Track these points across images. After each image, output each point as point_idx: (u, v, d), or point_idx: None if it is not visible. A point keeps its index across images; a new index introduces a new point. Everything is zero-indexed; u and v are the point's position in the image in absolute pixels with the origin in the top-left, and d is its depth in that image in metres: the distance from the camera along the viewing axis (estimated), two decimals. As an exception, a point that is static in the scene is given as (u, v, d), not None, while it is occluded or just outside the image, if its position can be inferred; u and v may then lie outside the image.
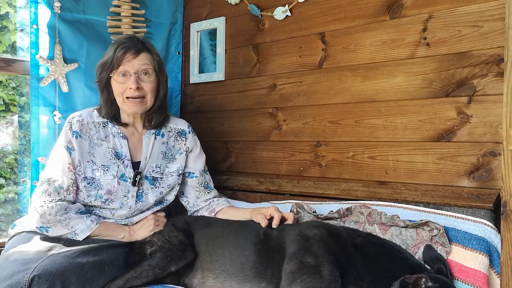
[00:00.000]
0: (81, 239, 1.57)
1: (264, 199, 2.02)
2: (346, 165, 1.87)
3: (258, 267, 1.44)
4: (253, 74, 2.20)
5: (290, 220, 1.62)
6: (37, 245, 1.52)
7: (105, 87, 1.72)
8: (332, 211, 1.65)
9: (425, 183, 1.66)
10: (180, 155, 1.86)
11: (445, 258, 1.35)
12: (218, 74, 2.32)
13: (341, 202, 1.73)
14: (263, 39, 2.16)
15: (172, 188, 1.83)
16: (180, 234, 1.64)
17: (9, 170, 2.14)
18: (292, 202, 1.79)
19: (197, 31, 2.43)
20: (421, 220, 1.42)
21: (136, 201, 1.72)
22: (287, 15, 2.05)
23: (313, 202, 1.80)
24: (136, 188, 1.72)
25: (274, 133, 2.12)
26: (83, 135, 1.70)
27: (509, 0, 1.29)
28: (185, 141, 1.87)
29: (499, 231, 1.35)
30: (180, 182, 1.85)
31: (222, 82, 2.33)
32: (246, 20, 2.22)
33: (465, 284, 1.32)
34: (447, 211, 1.50)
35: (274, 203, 1.89)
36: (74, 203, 1.64)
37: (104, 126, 1.74)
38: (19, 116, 2.16)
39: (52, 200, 1.58)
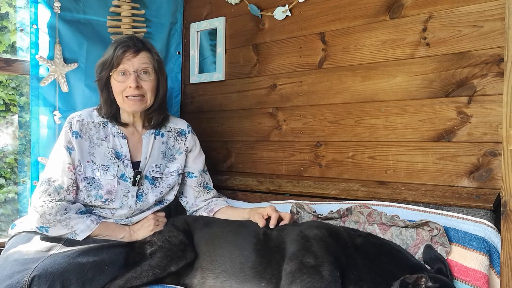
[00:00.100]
0: (81, 239, 1.57)
1: (264, 199, 2.02)
2: (346, 165, 1.87)
3: (258, 267, 1.44)
4: (253, 74, 2.20)
5: (286, 220, 1.61)
6: (37, 245, 1.52)
7: (105, 86, 1.72)
8: (332, 211, 1.65)
9: (425, 183, 1.66)
10: (179, 155, 1.86)
11: (445, 258, 1.35)
12: (218, 74, 2.32)
13: (341, 202, 1.73)
14: (263, 39, 2.16)
15: (172, 188, 1.83)
16: (180, 234, 1.64)
17: (9, 170, 2.14)
18: (292, 202, 1.79)
19: (197, 31, 2.43)
20: (421, 220, 1.42)
21: (136, 201, 1.72)
22: (287, 15, 2.05)
23: (313, 202, 1.80)
24: (136, 188, 1.72)
25: (274, 133, 2.12)
26: (83, 135, 1.70)
27: (509, 0, 1.29)
28: (185, 141, 1.88)
29: (499, 231, 1.35)
30: (180, 181, 1.85)
31: (222, 82, 2.33)
32: (246, 20, 2.22)
33: (465, 284, 1.32)
34: (447, 211, 1.50)
35: (274, 203, 1.89)
36: (74, 203, 1.64)
37: (104, 126, 1.74)
38: (19, 116, 2.16)
39: (52, 200, 1.58)
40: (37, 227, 1.57)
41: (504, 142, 1.30)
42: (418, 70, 1.68)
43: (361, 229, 1.54)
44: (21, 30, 2.07)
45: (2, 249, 1.63)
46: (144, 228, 1.71)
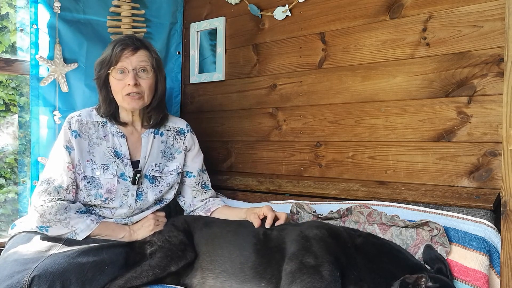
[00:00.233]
0: (81, 239, 1.57)
1: (264, 199, 2.02)
2: (346, 165, 1.87)
3: (257, 267, 1.44)
4: (253, 74, 2.20)
5: (282, 220, 1.61)
6: (37, 245, 1.52)
7: (104, 85, 1.72)
8: (332, 211, 1.65)
9: (425, 183, 1.66)
10: (179, 154, 1.86)
11: (445, 258, 1.35)
12: (218, 74, 2.32)
13: (341, 202, 1.73)
14: (263, 39, 2.16)
15: (172, 187, 1.83)
16: (180, 234, 1.64)
17: (9, 170, 2.14)
18: (292, 202, 1.79)
19: (197, 31, 2.43)
20: (421, 220, 1.42)
21: (136, 199, 1.72)
22: (287, 15, 2.05)
23: (313, 202, 1.80)
24: (135, 186, 1.72)
25: (274, 133, 2.12)
26: (82, 134, 1.70)
27: (509, 0, 1.29)
28: (184, 140, 1.88)
29: (499, 231, 1.35)
30: (179, 181, 1.86)
31: (222, 82, 2.33)
32: (246, 20, 2.22)
33: (465, 284, 1.32)
34: (447, 211, 1.50)
35: (274, 203, 1.89)
36: (74, 202, 1.64)
37: (103, 126, 1.75)
38: (19, 116, 2.16)
39: (52, 199, 1.58)
40: (37, 227, 1.57)
41: (504, 142, 1.30)
42: (418, 70, 1.68)
43: (361, 229, 1.54)
44: (21, 30, 2.07)
45: (2, 249, 1.63)
46: (144, 228, 1.71)
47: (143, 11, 2.29)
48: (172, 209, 2.02)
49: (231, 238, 1.58)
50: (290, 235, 1.47)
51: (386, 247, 1.39)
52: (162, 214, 1.80)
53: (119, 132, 1.75)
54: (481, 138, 1.55)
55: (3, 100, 2.13)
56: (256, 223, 1.60)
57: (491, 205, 1.45)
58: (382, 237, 1.48)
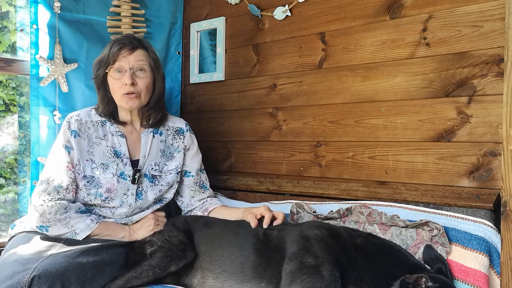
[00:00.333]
0: (81, 239, 1.57)
1: (264, 199, 2.02)
2: (346, 165, 1.87)
3: (257, 267, 1.44)
4: (253, 74, 2.20)
5: (280, 219, 1.62)
6: (37, 245, 1.52)
7: (102, 84, 1.73)
8: (332, 211, 1.65)
9: (425, 183, 1.66)
10: (178, 153, 1.86)
11: (445, 258, 1.35)
12: (218, 74, 2.32)
13: (341, 202, 1.73)
14: (263, 39, 2.16)
15: (171, 186, 1.83)
16: (180, 234, 1.64)
17: (9, 170, 2.14)
18: (292, 202, 1.79)
19: (197, 31, 2.43)
20: (421, 220, 1.42)
21: (135, 199, 1.72)
22: (287, 15, 2.05)
23: (313, 202, 1.80)
24: (135, 186, 1.72)
25: (274, 133, 2.12)
26: (82, 134, 1.70)
27: (509, 0, 1.29)
28: (183, 139, 1.88)
29: (499, 231, 1.35)
30: (178, 180, 1.86)
31: (222, 82, 2.33)
32: (246, 20, 2.22)
33: (465, 284, 1.32)
34: (447, 211, 1.50)
35: (274, 203, 1.89)
36: (74, 202, 1.64)
37: (102, 125, 1.75)
38: (19, 116, 2.16)
39: (52, 199, 1.58)
40: (37, 226, 1.57)
41: (504, 142, 1.30)
42: (418, 70, 1.68)
43: (361, 229, 1.54)
44: (21, 30, 2.07)
45: (2, 249, 1.63)
46: (144, 228, 1.71)
47: (143, 11, 2.29)
48: (172, 209, 2.02)
49: (231, 238, 1.58)
50: (290, 235, 1.47)
51: (386, 247, 1.39)
52: (162, 214, 1.80)
53: (119, 131, 1.75)
54: (481, 138, 1.55)
55: (3, 100, 2.13)
56: (253, 223, 1.60)
57: (491, 205, 1.45)
58: (382, 237, 1.48)
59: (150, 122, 1.80)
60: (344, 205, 1.65)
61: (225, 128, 2.32)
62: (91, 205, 1.69)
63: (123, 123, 1.78)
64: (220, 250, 1.55)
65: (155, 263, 1.51)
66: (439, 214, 1.49)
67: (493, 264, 1.35)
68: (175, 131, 1.88)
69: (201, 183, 1.92)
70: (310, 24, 1.99)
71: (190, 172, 1.89)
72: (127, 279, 1.47)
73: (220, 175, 2.28)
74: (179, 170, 1.85)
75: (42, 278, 1.32)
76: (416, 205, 1.57)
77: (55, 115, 2.04)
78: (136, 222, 1.74)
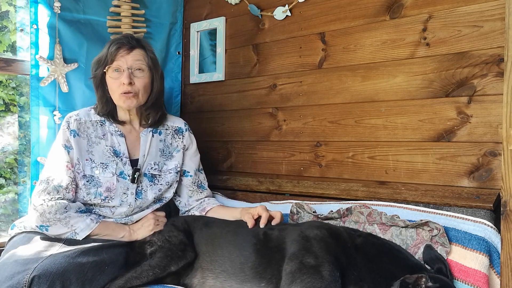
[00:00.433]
0: (81, 239, 1.57)
1: (264, 199, 2.02)
2: (346, 165, 1.87)
3: (257, 267, 1.44)
4: (253, 74, 2.20)
5: (277, 219, 1.62)
6: (37, 245, 1.52)
7: (100, 84, 1.73)
8: (332, 211, 1.65)
9: (425, 183, 1.66)
10: (177, 152, 1.86)
11: (445, 258, 1.35)
12: (218, 74, 2.32)
13: (341, 202, 1.73)
14: (263, 39, 2.16)
15: (171, 186, 1.83)
16: (180, 234, 1.64)
17: (9, 170, 2.14)
18: (292, 202, 1.79)
19: (197, 31, 2.43)
20: (421, 220, 1.42)
21: (135, 198, 1.72)
22: (287, 15, 2.05)
23: (313, 202, 1.80)
24: (135, 185, 1.73)
25: (274, 133, 2.12)
26: (81, 133, 1.70)
27: (509, 0, 1.29)
28: (182, 138, 1.88)
29: (499, 231, 1.35)
30: (178, 179, 1.86)
31: (222, 82, 2.33)
32: (246, 20, 2.22)
33: (465, 284, 1.32)
34: (447, 211, 1.50)
35: (274, 203, 1.89)
36: (74, 201, 1.64)
37: (101, 125, 1.75)
38: (19, 116, 2.16)
39: (51, 198, 1.58)
40: (37, 226, 1.57)
41: (504, 142, 1.30)
42: (418, 70, 1.68)
43: (361, 229, 1.54)
44: (21, 30, 2.07)
45: (2, 250, 1.63)
46: (144, 228, 1.71)
47: (143, 11, 2.29)
48: (172, 209, 2.02)
49: (231, 238, 1.58)
50: (290, 235, 1.47)
51: (386, 247, 1.39)
52: (162, 214, 1.80)
53: (118, 131, 1.76)
54: (481, 138, 1.55)
55: (3, 100, 2.13)
56: (250, 223, 1.60)
57: (491, 205, 1.45)
58: (382, 237, 1.48)
59: (149, 121, 1.80)
60: (344, 205, 1.65)
61: (225, 128, 2.32)
62: (91, 205, 1.69)
63: (122, 123, 1.78)
64: (220, 250, 1.55)
65: (155, 263, 1.51)
66: (439, 214, 1.49)
67: (493, 264, 1.35)
68: (174, 131, 1.88)
69: (199, 183, 1.92)
70: (310, 24, 1.99)
71: (189, 172, 1.89)
72: (127, 279, 1.47)
73: (220, 175, 2.28)
74: (178, 169, 1.85)
75: (42, 278, 1.32)
76: (416, 205, 1.57)
77: (55, 115, 2.04)
78: (136, 222, 1.74)
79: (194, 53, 2.44)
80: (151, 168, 1.78)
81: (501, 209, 1.31)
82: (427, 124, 1.66)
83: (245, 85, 2.23)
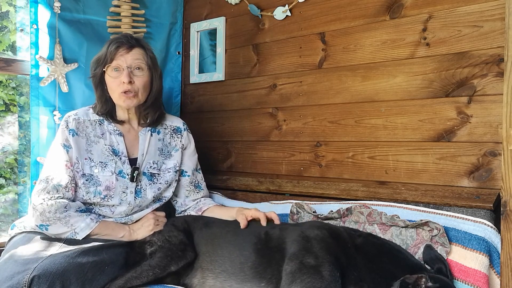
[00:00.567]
0: (80, 238, 1.57)
1: (264, 199, 2.02)
2: (346, 165, 1.87)
3: (257, 267, 1.44)
4: (253, 74, 2.20)
5: (276, 220, 1.65)
6: (37, 245, 1.52)
7: (99, 83, 1.74)
8: (332, 211, 1.65)
9: (425, 183, 1.66)
10: (176, 152, 1.87)
11: (445, 258, 1.35)
12: (218, 74, 2.32)
13: (341, 202, 1.73)
14: (263, 39, 2.16)
15: (170, 185, 1.84)
16: (180, 234, 1.64)
17: (9, 170, 2.14)
18: (292, 202, 1.79)
19: (197, 31, 2.43)
20: (421, 220, 1.42)
21: (135, 197, 1.73)
22: (287, 15, 2.05)
23: (313, 202, 1.80)
24: (134, 184, 1.73)
25: (274, 133, 2.12)
26: (80, 133, 1.71)
27: (509, 0, 1.29)
28: (181, 138, 1.89)
29: (499, 231, 1.35)
30: (177, 178, 1.86)
31: (222, 82, 2.33)
32: (246, 20, 2.22)
33: (465, 284, 1.32)
34: (447, 211, 1.50)
35: (274, 203, 1.89)
36: (73, 201, 1.64)
37: (100, 124, 1.75)
38: (19, 116, 2.16)
39: (51, 197, 1.58)
40: (36, 225, 1.57)
41: (504, 142, 1.30)
42: (418, 70, 1.68)
43: (361, 229, 1.54)
44: (21, 30, 2.07)
45: (2, 249, 1.63)
46: (144, 228, 1.71)
47: (143, 11, 2.29)
48: (172, 209, 2.02)
49: (231, 238, 1.58)
50: (290, 235, 1.47)
51: (386, 247, 1.39)
52: (162, 214, 1.80)
53: (116, 130, 1.76)
54: (481, 138, 1.55)
55: (3, 100, 2.13)
56: (242, 224, 1.62)
57: (491, 205, 1.45)
58: (382, 237, 1.48)
59: (148, 121, 1.81)
60: (344, 205, 1.65)
61: (225, 128, 2.32)
62: (91, 204, 1.69)
63: (121, 122, 1.78)
64: (220, 250, 1.55)
65: (155, 263, 1.51)
66: (439, 214, 1.49)
67: (493, 264, 1.35)
68: (172, 130, 1.88)
69: (197, 182, 1.93)
70: (310, 24, 1.99)
71: (187, 172, 1.90)
72: (127, 279, 1.47)
73: (220, 175, 2.28)
74: (177, 168, 1.85)
75: (42, 278, 1.32)
76: (416, 205, 1.57)
77: (55, 115, 2.04)
78: (136, 221, 1.74)
79: (194, 53, 2.44)
80: (150, 167, 1.79)
81: (501, 209, 1.31)
82: (427, 124, 1.66)
83: (245, 85, 2.23)
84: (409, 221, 1.46)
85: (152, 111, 1.80)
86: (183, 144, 1.89)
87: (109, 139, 1.74)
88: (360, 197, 1.74)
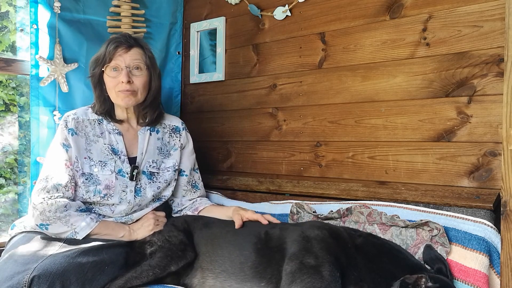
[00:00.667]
0: (80, 238, 1.57)
1: (264, 199, 2.02)
2: (346, 165, 1.87)
3: (257, 266, 1.44)
4: (253, 74, 2.20)
5: (274, 220, 1.67)
6: (37, 245, 1.52)
7: (98, 83, 1.74)
8: (332, 211, 1.65)
9: (425, 183, 1.66)
10: (175, 151, 1.87)
11: (445, 258, 1.35)
12: (218, 74, 2.32)
13: (341, 202, 1.73)
14: (263, 39, 2.16)
15: (169, 184, 1.84)
16: (180, 234, 1.64)
17: (9, 170, 2.14)
18: (292, 202, 1.79)
19: (197, 31, 2.43)
20: (421, 220, 1.42)
21: (134, 195, 1.73)
22: (287, 15, 2.05)
23: (313, 202, 1.80)
24: (134, 182, 1.73)
25: (274, 133, 2.12)
26: (79, 132, 1.71)
27: (509, 0, 1.29)
28: (179, 137, 1.89)
29: (499, 231, 1.35)
30: (176, 178, 1.86)
31: (222, 82, 2.33)
32: (246, 20, 2.22)
33: (465, 284, 1.32)
34: (447, 211, 1.50)
35: (274, 203, 1.89)
36: (73, 200, 1.64)
37: (99, 123, 1.76)
38: (19, 116, 2.16)
39: (51, 197, 1.58)
40: (36, 225, 1.57)
41: (504, 142, 1.30)
42: (418, 70, 1.68)
43: (361, 229, 1.54)
44: (21, 30, 2.07)
45: (2, 249, 1.63)
46: (144, 228, 1.71)
47: (143, 11, 2.29)
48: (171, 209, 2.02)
49: (231, 238, 1.58)
50: (291, 235, 1.47)
51: (386, 247, 1.39)
52: (162, 214, 1.80)
53: (115, 129, 1.76)
54: (481, 138, 1.55)
55: (3, 100, 2.13)
56: (237, 224, 1.64)
57: (491, 205, 1.45)
58: (382, 237, 1.48)
59: (147, 120, 1.81)
60: (344, 205, 1.65)
61: (225, 128, 2.32)
62: (91, 203, 1.69)
63: (120, 121, 1.79)
64: (220, 250, 1.55)
65: (155, 263, 1.51)
66: (439, 214, 1.49)
67: (493, 264, 1.35)
68: (171, 129, 1.89)
69: (194, 182, 1.93)
70: (310, 24, 1.99)
71: (184, 171, 1.90)
72: (127, 279, 1.47)
73: (220, 175, 2.28)
74: (176, 167, 1.85)
75: (42, 278, 1.32)
76: (416, 205, 1.57)
77: (55, 115, 2.04)
78: (136, 221, 1.74)
79: (194, 53, 2.44)
80: (150, 166, 1.79)
81: (501, 209, 1.31)
82: (427, 124, 1.66)
83: (245, 85, 2.23)
84: (409, 221, 1.46)
85: (151, 111, 1.80)
86: (181, 144, 1.89)
87: (108, 138, 1.74)
88: (360, 197, 1.74)
